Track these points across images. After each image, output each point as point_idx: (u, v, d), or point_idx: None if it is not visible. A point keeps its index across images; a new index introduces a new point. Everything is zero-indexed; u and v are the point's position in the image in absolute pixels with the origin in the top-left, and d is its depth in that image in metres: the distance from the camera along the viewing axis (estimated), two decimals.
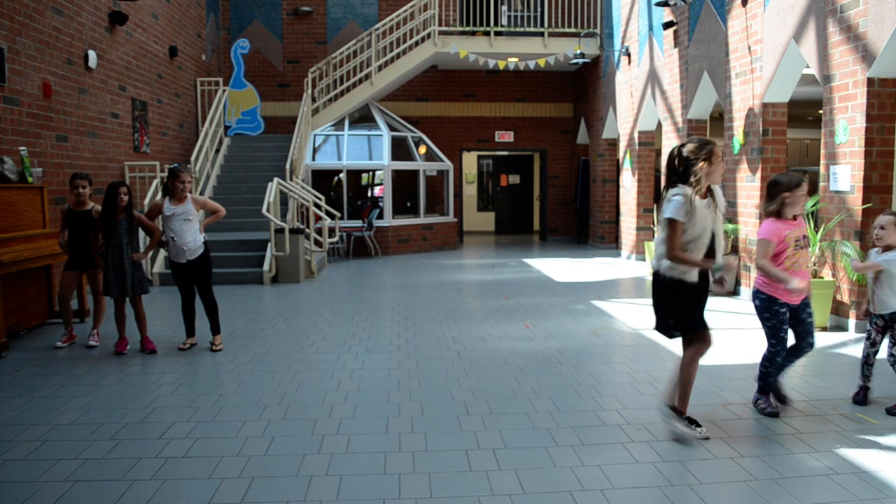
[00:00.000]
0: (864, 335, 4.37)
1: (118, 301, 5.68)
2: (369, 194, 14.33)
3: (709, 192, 3.69)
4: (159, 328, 6.65)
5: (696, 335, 3.76)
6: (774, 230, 3.93)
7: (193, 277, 5.71)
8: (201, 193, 11.40)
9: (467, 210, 18.19)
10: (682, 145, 3.72)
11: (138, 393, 4.58)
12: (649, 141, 11.64)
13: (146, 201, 9.53)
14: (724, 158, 8.66)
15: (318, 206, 11.02)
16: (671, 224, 3.59)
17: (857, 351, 5.59)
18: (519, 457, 3.52)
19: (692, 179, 3.61)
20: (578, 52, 12.65)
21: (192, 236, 5.59)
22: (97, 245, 5.64)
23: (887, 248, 4.18)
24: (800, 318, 4.07)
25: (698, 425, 3.77)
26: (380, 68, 13.50)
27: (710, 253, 3.72)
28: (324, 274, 10.56)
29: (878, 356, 4.32)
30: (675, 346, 5.78)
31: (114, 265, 5.55)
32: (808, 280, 3.96)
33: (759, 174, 7.77)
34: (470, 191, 18.93)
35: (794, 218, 4.00)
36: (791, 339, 4.12)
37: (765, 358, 4.12)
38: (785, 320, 4.00)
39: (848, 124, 6.25)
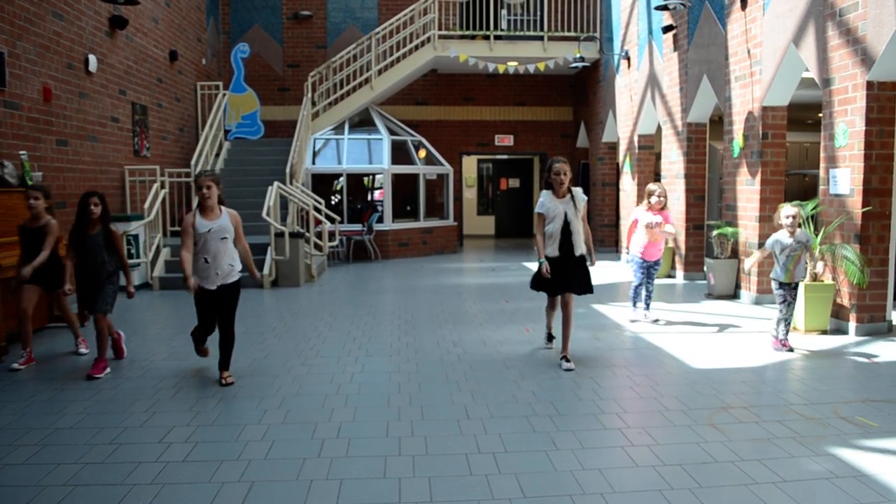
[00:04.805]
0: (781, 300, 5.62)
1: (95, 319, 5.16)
2: (369, 198, 14.34)
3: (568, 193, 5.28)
4: (158, 332, 6.65)
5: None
6: None
7: (220, 306, 4.82)
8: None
9: (467, 214, 18.19)
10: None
11: (138, 397, 4.57)
12: (649, 144, 11.65)
13: (146, 205, 9.55)
14: (724, 162, 8.72)
15: (317, 209, 11.02)
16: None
17: (859, 355, 5.59)
18: (519, 460, 3.51)
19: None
20: (578, 55, 12.66)
21: (229, 258, 4.77)
22: (64, 263, 5.14)
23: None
24: None
25: (549, 341, 5.88)
26: (380, 72, 13.52)
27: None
28: (324, 278, 10.56)
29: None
30: (676, 349, 5.78)
31: (89, 284, 5.05)
32: None
33: (758, 178, 7.77)
34: (470, 194, 18.94)
35: None
36: None
37: None
38: None
39: (847, 127, 6.25)
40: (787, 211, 5.61)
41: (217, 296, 4.78)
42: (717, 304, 7.89)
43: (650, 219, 6.64)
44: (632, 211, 6.90)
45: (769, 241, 5.68)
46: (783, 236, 5.59)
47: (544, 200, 5.26)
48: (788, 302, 5.62)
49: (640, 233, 6.72)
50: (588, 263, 5.37)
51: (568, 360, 5.21)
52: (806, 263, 5.75)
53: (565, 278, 5.26)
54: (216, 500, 3.10)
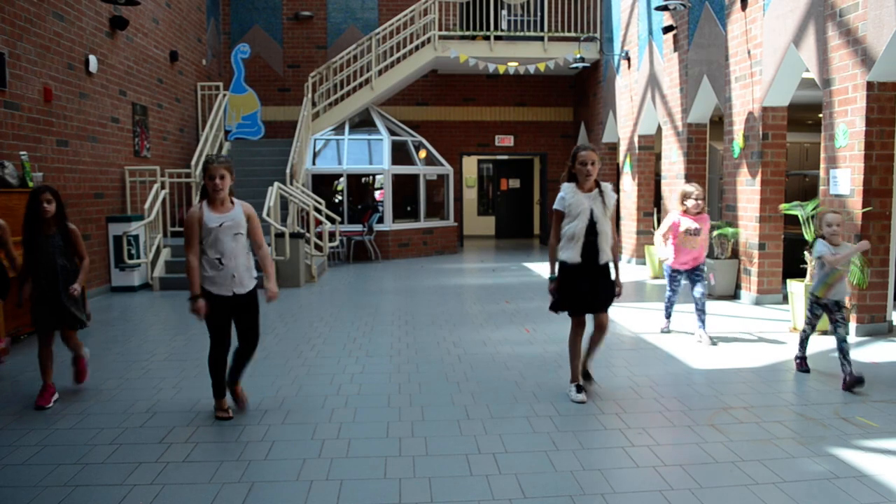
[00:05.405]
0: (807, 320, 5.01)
1: (45, 337, 4.44)
2: (369, 199, 14.34)
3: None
4: (158, 332, 6.65)
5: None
6: None
7: (238, 318, 4.10)
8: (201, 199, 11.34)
9: (467, 214, 18.20)
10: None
11: (138, 398, 4.58)
12: (649, 145, 11.65)
13: (146, 206, 9.56)
14: (724, 162, 8.72)
15: (318, 210, 11.03)
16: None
17: (859, 355, 5.58)
18: (519, 461, 3.51)
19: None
20: (578, 56, 12.67)
21: (245, 258, 4.06)
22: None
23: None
24: None
25: (579, 391, 4.44)
26: (380, 73, 13.53)
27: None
28: (324, 278, 10.56)
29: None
30: (676, 349, 5.78)
31: (47, 295, 4.34)
32: None
33: (758, 178, 7.77)
34: (470, 195, 18.95)
35: None
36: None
37: None
38: None
39: (848, 128, 6.26)
40: (828, 219, 4.79)
41: (234, 305, 4.03)
42: (717, 305, 7.89)
43: (688, 225, 5.90)
44: (667, 216, 6.20)
45: (816, 249, 4.80)
46: (824, 246, 4.77)
47: (566, 194, 4.30)
48: (813, 324, 4.96)
49: (677, 239, 5.98)
50: (615, 289, 4.42)
51: (579, 388, 4.46)
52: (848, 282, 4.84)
53: (592, 291, 4.33)
54: (216, 501, 3.10)
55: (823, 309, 4.81)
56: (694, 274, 6.01)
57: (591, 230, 4.25)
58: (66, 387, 4.78)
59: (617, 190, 13.49)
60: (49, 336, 4.45)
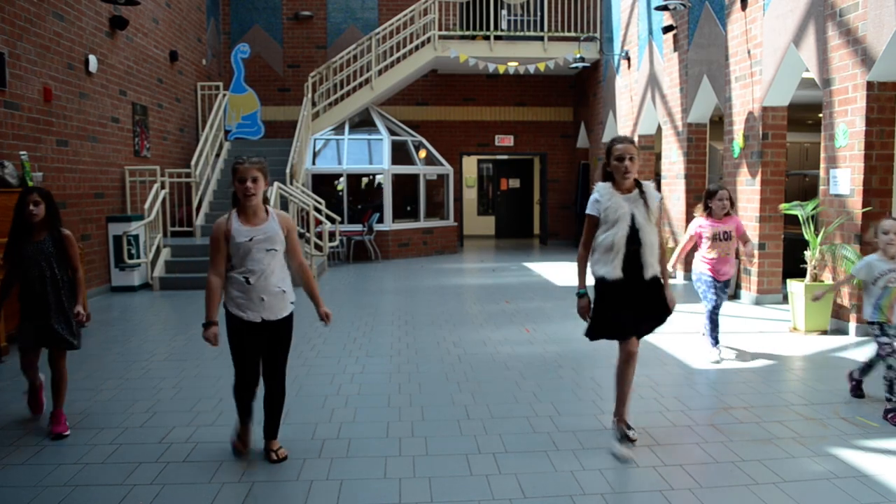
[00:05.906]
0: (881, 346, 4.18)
1: (29, 355, 4.06)
2: (375, 200, 14.34)
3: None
4: (158, 332, 6.65)
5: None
6: None
7: (267, 350, 3.54)
8: (201, 199, 11.36)
9: (467, 214, 18.19)
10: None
11: (138, 397, 4.58)
12: (649, 145, 11.65)
13: (146, 206, 9.55)
14: (724, 162, 8.72)
15: (318, 210, 11.02)
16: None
17: (859, 354, 5.57)
18: (519, 461, 3.51)
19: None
20: (578, 56, 12.67)
21: (279, 280, 3.48)
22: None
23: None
24: None
25: (623, 440, 3.67)
26: (380, 73, 13.52)
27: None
28: (324, 278, 10.56)
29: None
30: (676, 349, 5.77)
31: (39, 308, 3.85)
32: None
33: (758, 178, 7.77)
34: (470, 195, 18.94)
35: None
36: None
37: None
38: None
39: (848, 128, 6.26)
40: (884, 225, 4.11)
41: (262, 333, 3.48)
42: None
43: (715, 230, 5.34)
44: (691, 222, 5.63)
45: (856, 267, 4.33)
46: (877, 260, 4.17)
47: (600, 196, 3.62)
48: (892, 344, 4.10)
49: (703, 248, 5.42)
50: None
51: (629, 427, 3.72)
52: None
53: (637, 312, 3.62)
54: (216, 501, 3.10)
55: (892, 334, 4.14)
56: (723, 290, 5.50)
57: (633, 239, 3.53)
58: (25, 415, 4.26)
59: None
60: (34, 356, 4.04)
